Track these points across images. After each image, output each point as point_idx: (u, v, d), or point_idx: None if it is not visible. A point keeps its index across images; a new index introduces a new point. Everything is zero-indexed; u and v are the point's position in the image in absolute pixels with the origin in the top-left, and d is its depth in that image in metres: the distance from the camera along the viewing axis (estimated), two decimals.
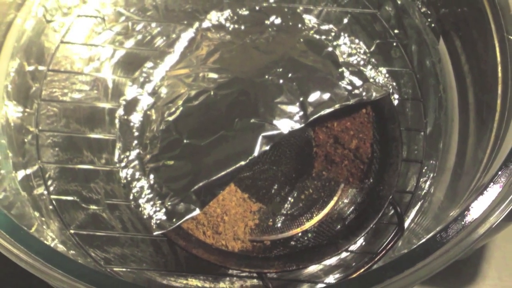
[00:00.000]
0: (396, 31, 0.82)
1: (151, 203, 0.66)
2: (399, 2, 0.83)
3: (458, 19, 0.79)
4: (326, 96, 0.68)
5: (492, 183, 0.54)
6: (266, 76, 0.69)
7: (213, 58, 0.73)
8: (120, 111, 0.72)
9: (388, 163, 0.70)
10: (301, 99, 0.68)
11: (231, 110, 0.68)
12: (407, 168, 0.77)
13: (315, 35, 0.77)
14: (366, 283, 0.50)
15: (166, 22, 0.81)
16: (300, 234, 0.69)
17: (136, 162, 0.69)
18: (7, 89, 0.76)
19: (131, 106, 0.72)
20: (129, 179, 0.68)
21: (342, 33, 0.77)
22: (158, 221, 0.64)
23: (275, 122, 0.66)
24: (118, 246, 0.72)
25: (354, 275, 0.63)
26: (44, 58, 0.79)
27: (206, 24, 0.77)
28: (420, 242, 0.53)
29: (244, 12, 0.78)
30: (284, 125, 0.66)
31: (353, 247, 0.70)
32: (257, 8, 0.78)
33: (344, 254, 0.72)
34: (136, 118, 0.72)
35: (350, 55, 0.76)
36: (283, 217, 0.70)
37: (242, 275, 0.71)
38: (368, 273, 0.61)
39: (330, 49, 0.74)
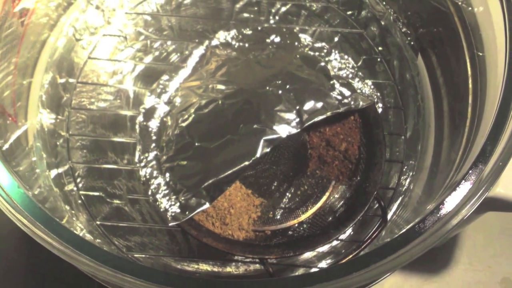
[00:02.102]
0: (380, 48, 0.82)
1: (167, 198, 0.66)
2: (382, 23, 0.83)
3: (434, 38, 0.80)
4: (319, 105, 0.68)
5: (463, 181, 0.54)
6: (267, 88, 0.70)
7: (221, 72, 0.73)
8: (140, 118, 0.72)
9: (373, 163, 0.70)
10: (297, 107, 0.68)
11: (237, 117, 0.68)
12: (389, 167, 0.77)
13: (309, 52, 0.77)
14: (354, 267, 0.50)
15: (180, 40, 0.81)
16: (296, 225, 0.69)
17: (154, 162, 0.69)
18: (42, 98, 0.76)
19: (149, 113, 0.72)
20: (148, 177, 0.68)
21: (333, 50, 0.77)
22: (173, 214, 0.64)
23: (275, 127, 0.66)
24: (138, 236, 0.72)
25: (344, 261, 0.63)
26: (74, 72, 0.79)
27: (215, 42, 0.77)
28: (401, 232, 0.53)
29: (248, 32, 0.78)
30: (282, 130, 0.66)
31: (343, 236, 0.70)
32: (259, 28, 0.78)
33: (334, 242, 0.72)
34: (154, 124, 0.72)
35: (340, 69, 0.76)
36: (282, 210, 0.70)
37: (246, 261, 0.71)
38: (356, 259, 0.61)
39: (322, 64, 0.74)
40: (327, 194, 0.71)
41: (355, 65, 0.77)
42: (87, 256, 0.50)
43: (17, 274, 0.76)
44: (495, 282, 0.77)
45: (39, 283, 0.76)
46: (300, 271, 0.72)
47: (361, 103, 0.70)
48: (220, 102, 0.70)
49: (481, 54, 0.67)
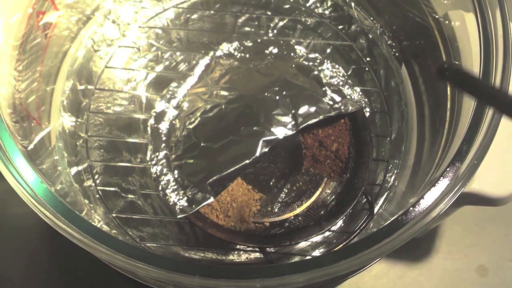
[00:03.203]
0: (368, 58, 0.82)
1: (176, 192, 0.66)
2: (370, 36, 0.83)
3: (416, 50, 0.80)
4: (313, 109, 0.68)
5: (442, 177, 0.54)
6: (266, 94, 0.70)
7: (224, 80, 0.73)
8: (152, 121, 0.72)
9: (361, 162, 0.70)
10: (293, 111, 0.68)
11: (238, 120, 0.68)
12: (376, 166, 0.77)
13: (304, 62, 0.77)
14: (344, 255, 0.50)
15: (188, 51, 0.81)
16: (292, 217, 0.69)
17: (164, 160, 0.69)
18: (63, 103, 0.77)
19: (160, 117, 0.73)
20: (158, 174, 0.68)
21: (325, 60, 0.77)
22: (181, 207, 0.65)
23: (272, 129, 0.66)
24: (150, 227, 0.72)
25: (335, 249, 0.63)
26: (92, 79, 0.79)
27: (219, 53, 0.77)
28: (386, 223, 0.53)
29: (249, 43, 0.78)
30: (280, 132, 0.66)
31: (334, 228, 0.70)
32: (259, 40, 0.78)
33: (327, 233, 0.72)
34: (164, 126, 0.72)
35: (331, 77, 0.76)
36: (279, 204, 0.70)
37: (247, 250, 0.71)
38: (345, 247, 0.61)
39: (316, 72, 0.74)
40: (320, 189, 0.71)
41: (345, 73, 0.77)
42: (104, 245, 0.50)
43: (40, 264, 0.76)
44: (472, 269, 0.77)
45: (61, 272, 0.76)
46: (296, 259, 0.72)
47: (350, 107, 0.70)
48: (223, 107, 0.70)
49: (458, 63, 0.67)
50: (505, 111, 0.48)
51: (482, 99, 0.55)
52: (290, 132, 0.67)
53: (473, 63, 0.62)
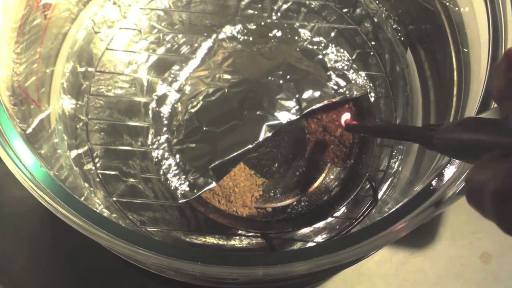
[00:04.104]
0: (373, 42, 0.81)
1: (177, 177, 0.65)
2: (375, 20, 0.82)
3: (422, 34, 0.79)
4: (317, 94, 0.68)
5: (449, 164, 0.53)
6: (269, 78, 0.69)
7: (227, 63, 0.72)
8: (153, 104, 0.71)
9: (366, 147, 0.69)
10: (297, 96, 0.67)
11: (241, 104, 0.67)
12: (380, 151, 0.76)
13: (308, 46, 0.76)
14: (349, 242, 0.49)
15: (190, 34, 0.80)
16: (295, 203, 0.68)
17: (165, 144, 0.68)
18: (63, 86, 0.75)
19: (161, 100, 0.72)
20: (159, 158, 0.67)
21: (330, 44, 0.76)
22: (182, 192, 0.64)
23: (276, 114, 0.65)
24: (151, 211, 0.72)
25: (340, 236, 0.63)
26: (93, 62, 0.78)
27: (221, 35, 0.76)
28: (391, 211, 0.53)
29: (252, 26, 0.77)
30: (283, 117, 0.65)
31: (337, 214, 0.69)
32: (262, 23, 0.77)
33: (329, 219, 0.71)
34: (165, 110, 0.71)
35: (336, 61, 0.75)
36: (282, 189, 0.69)
37: (249, 235, 0.71)
38: (348, 235, 0.60)
39: (320, 56, 0.73)
40: (323, 175, 0.70)
41: (350, 58, 0.75)
42: (104, 231, 0.49)
43: (40, 248, 0.75)
44: (476, 256, 0.77)
45: (61, 256, 0.75)
46: (298, 245, 0.71)
47: (355, 92, 0.69)
48: (226, 91, 0.69)
49: (466, 50, 0.66)
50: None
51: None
52: (294, 117, 0.66)
53: (481, 50, 0.61)
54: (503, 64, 0.31)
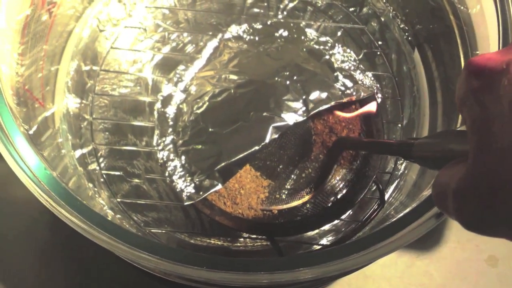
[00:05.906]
0: (379, 42, 0.80)
1: (183, 179, 0.64)
2: (382, 19, 0.81)
3: (430, 34, 0.77)
4: (324, 95, 0.66)
5: None
6: (276, 78, 0.67)
7: (233, 63, 0.71)
8: (158, 105, 0.70)
9: None
10: (303, 97, 0.66)
11: (248, 105, 0.66)
12: None
13: (315, 45, 0.74)
14: (354, 249, 0.48)
15: (195, 33, 0.79)
16: (301, 205, 0.67)
17: (170, 146, 0.67)
18: (68, 84, 0.74)
19: (167, 100, 0.70)
20: (165, 159, 0.66)
21: (336, 44, 0.74)
22: (188, 194, 0.63)
23: (282, 115, 0.64)
24: (155, 212, 0.71)
25: (349, 240, 0.62)
26: (97, 60, 0.77)
27: (227, 35, 0.75)
28: (398, 216, 0.51)
29: (258, 26, 0.75)
30: (290, 118, 0.64)
31: (343, 216, 0.68)
32: (268, 23, 0.76)
33: (335, 222, 0.70)
34: (171, 110, 0.70)
35: (343, 62, 0.74)
36: (288, 191, 0.68)
37: (254, 237, 0.69)
38: (355, 241, 0.59)
39: (327, 57, 0.72)
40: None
41: (356, 58, 0.74)
42: (107, 234, 0.48)
43: (40, 245, 0.74)
44: (482, 259, 0.76)
45: (60, 255, 0.74)
46: (304, 247, 0.70)
47: (362, 93, 0.68)
48: (232, 91, 0.68)
49: (476, 52, 0.64)
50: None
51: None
52: (300, 119, 0.65)
53: (490, 51, 0.60)
54: (464, 73, 0.33)
